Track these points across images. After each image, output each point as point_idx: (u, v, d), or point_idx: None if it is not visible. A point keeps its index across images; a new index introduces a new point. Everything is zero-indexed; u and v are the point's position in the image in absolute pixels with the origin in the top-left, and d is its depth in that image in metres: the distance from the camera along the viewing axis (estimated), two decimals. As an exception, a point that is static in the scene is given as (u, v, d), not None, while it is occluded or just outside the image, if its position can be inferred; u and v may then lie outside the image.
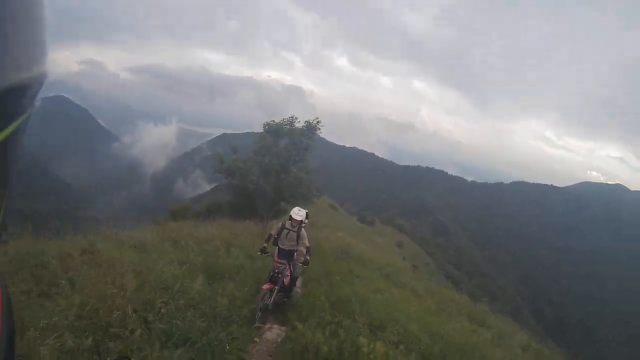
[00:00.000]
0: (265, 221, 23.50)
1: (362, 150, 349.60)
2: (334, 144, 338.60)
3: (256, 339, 7.77)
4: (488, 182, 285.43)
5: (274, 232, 10.38)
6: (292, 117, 26.69)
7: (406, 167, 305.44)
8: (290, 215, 10.16)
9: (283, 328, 8.73)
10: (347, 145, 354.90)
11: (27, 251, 6.77)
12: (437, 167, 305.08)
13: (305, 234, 10.23)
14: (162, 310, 6.01)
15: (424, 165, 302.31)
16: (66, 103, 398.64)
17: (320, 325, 7.13)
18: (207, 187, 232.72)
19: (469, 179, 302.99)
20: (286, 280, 9.81)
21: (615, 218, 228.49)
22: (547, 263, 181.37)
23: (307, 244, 10.15)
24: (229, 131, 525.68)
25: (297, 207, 10.47)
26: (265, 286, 9.20)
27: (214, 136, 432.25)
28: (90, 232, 9.92)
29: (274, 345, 7.73)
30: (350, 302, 8.90)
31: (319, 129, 26.41)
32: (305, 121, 26.02)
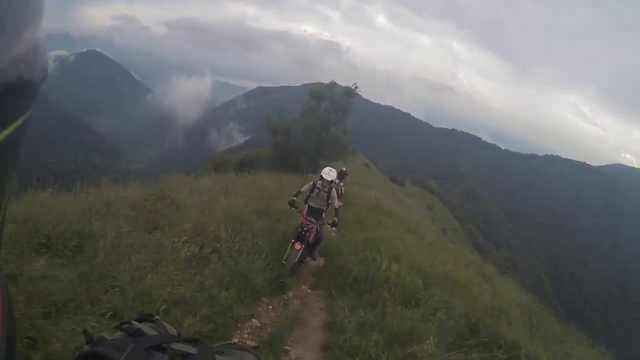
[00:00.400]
0: (306, 174, 26.06)
1: (398, 109, 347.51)
2: (370, 101, 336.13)
3: (302, 264, 10.13)
4: (521, 152, 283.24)
5: (304, 189, 10.41)
6: (333, 82, 29.19)
7: (441, 130, 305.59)
8: (321, 175, 10.01)
9: (323, 259, 10.88)
10: (383, 104, 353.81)
11: (111, 198, 8.48)
12: (471, 132, 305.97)
13: (335, 194, 10.24)
14: (244, 235, 8.85)
15: (459, 130, 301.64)
16: (99, 57, 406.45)
17: (353, 254, 9.83)
18: (241, 140, 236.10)
19: (503, 147, 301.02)
20: (311, 237, 9.79)
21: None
22: (575, 242, 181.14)
23: (337, 206, 10.26)
24: (265, 84, 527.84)
25: (328, 167, 10.28)
26: (297, 245, 9.35)
27: (250, 89, 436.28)
28: (162, 181, 12.38)
29: (315, 269, 10.51)
30: (377, 242, 11.21)
31: (357, 94, 28.94)
32: (345, 86, 28.40)
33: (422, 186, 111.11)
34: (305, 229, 9.55)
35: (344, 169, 22.81)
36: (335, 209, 10.15)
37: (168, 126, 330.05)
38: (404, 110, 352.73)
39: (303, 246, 9.42)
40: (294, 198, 10.13)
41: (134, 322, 1.12)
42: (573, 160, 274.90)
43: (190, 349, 0.97)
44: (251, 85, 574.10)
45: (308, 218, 9.82)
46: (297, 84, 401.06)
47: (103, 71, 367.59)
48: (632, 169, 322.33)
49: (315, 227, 9.85)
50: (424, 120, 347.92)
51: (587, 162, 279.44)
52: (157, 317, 1.19)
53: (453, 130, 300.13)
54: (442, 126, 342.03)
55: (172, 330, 1.13)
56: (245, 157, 39.51)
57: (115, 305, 4.90)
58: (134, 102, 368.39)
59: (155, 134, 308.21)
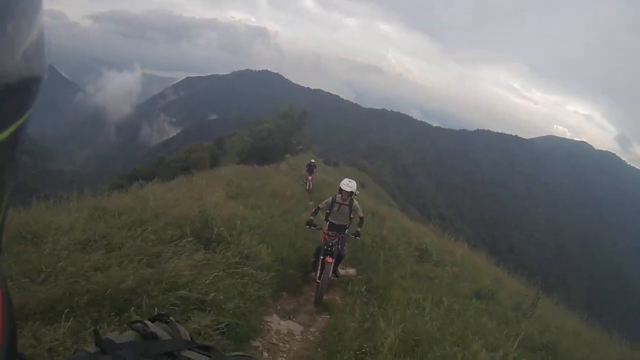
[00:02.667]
0: (278, 164, 38.36)
1: (327, 92, 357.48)
2: (299, 85, 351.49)
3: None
4: (452, 128, 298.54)
5: (322, 205, 10.38)
6: (291, 106, 42.16)
7: (371, 110, 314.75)
8: (340, 188, 10.06)
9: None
10: (312, 87, 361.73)
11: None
12: (402, 111, 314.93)
13: (358, 205, 10.29)
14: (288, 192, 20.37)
15: (389, 109, 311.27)
16: None
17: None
18: (173, 132, 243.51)
19: (434, 124, 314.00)
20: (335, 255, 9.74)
21: (578, 174, 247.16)
22: (510, 210, 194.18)
23: (361, 215, 10.29)
24: (193, 74, 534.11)
25: (346, 179, 10.30)
26: (328, 259, 9.27)
27: (179, 80, 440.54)
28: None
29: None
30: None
31: (308, 114, 42.20)
32: (301, 111, 41.33)
33: (355, 166, 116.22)
34: (330, 244, 9.58)
35: (312, 161, 29.89)
36: (360, 218, 10.33)
37: (100, 123, 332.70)
38: (334, 93, 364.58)
39: (334, 261, 9.48)
40: (312, 217, 10.27)
41: (147, 322, 1.20)
42: (504, 133, 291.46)
43: (203, 358, 1.09)
44: (180, 76, 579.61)
45: (330, 233, 9.85)
46: (226, 72, 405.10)
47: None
48: (563, 139, 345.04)
49: (338, 240, 9.80)
50: (353, 102, 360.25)
51: (519, 135, 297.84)
52: (171, 318, 1.30)
53: (383, 110, 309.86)
54: (373, 106, 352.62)
55: (185, 334, 1.24)
56: (193, 151, 52.47)
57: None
58: (64, 101, 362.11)
59: (87, 132, 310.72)
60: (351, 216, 10.21)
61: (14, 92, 0.57)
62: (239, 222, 9.64)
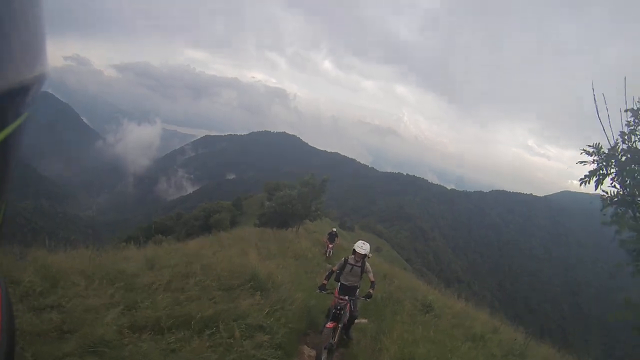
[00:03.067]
0: (297, 227, 41.33)
1: (344, 155, 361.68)
2: (316, 148, 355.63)
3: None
4: (467, 190, 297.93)
5: (335, 267, 10.41)
6: (312, 175, 44.19)
7: (387, 174, 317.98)
8: (354, 249, 10.16)
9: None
10: (329, 150, 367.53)
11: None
12: (417, 174, 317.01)
13: (370, 267, 10.37)
14: (309, 255, 23.38)
15: (405, 173, 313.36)
16: (51, 99, 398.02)
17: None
18: (190, 189, 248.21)
19: (449, 187, 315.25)
20: (344, 319, 9.91)
21: (594, 226, 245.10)
22: (525, 271, 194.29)
23: (373, 279, 10.34)
24: (212, 132, 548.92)
25: (360, 241, 10.44)
26: (329, 324, 9.37)
27: (198, 137, 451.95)
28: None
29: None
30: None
31: (327, 182, 44.29)
32: (322, 178, 43.44)
33: (371, 230, 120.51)
34: (339, 307, 9.65)
35: (334, 230, 29.87)
36: (372, 282, 10.33)
37: (118, 173, 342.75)
38: (350, 156, 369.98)
39: (339, 326, 9.67)
40: (325, 282, 10.43)
41: None
42: (519, 193, 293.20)
43: None
44: (199, 133, 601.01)
45: (341, 297, 9.89)
46: (244, 132, 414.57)
47: (54, 114, 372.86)
48: (578, 194, 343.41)
49: (349, 304, 10.00)
50: (369, 166, 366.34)
51: (534, 193, 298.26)
52: None
53: (399, 173, 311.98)
54: (389, 170, 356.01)
55: None
56: (214, 210, 55.02)
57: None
58: (84, 147, 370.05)
59: (105, 180, 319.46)
60: (362, 277, 10.41)
61: (14, 94, 0.60)
62: (279, 276, 12.28)
